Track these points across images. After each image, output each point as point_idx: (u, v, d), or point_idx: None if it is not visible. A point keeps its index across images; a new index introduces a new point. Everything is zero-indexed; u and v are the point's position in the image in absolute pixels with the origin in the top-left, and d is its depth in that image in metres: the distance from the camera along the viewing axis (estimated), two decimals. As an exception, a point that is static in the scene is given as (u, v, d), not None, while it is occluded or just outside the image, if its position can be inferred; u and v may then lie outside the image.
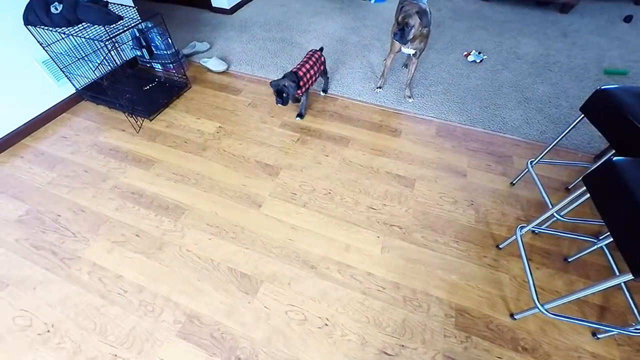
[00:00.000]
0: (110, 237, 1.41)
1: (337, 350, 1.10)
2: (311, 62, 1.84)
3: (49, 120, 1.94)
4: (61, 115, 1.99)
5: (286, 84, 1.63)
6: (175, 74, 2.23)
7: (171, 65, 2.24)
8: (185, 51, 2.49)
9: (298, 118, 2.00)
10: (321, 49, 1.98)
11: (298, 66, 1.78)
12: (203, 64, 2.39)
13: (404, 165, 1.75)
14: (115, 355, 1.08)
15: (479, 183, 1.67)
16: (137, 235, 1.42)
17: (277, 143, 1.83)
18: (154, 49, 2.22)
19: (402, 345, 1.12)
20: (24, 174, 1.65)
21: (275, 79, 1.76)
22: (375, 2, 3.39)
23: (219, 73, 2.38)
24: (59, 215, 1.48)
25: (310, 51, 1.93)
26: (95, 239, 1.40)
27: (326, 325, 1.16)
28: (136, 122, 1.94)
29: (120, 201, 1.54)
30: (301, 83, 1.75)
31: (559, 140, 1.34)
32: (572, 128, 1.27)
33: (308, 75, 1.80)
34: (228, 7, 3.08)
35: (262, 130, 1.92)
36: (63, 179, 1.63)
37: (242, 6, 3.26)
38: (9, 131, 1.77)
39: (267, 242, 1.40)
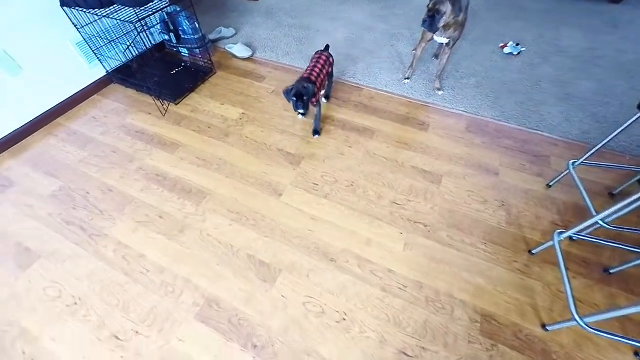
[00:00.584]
0: (135, 217, 1.44)
1: (355, 346, 1.08)
2: (320, 65, 1.61)
3: (81, 101, 2.00)
4: (92, 97, 2.05)
5: (305, 85, 1.41)
6: (201, 59, 2.23)
7: (197, 50, 2.24)
8: (212, 37, 2.49)
9: (316, 136, 1.78)
10: (327, 48, 1.78)
11: (308, 71, 1.56)
12: (228, 50, 2.38)
13: (431, 161, 1.67)
14: (137, 332, 1.11)
15: (511, 183, 1.57)
16: (160, 217, 1.44)
17: (299, 132, 1.80)
18: (181, 34, 2.22)
19: (423, 348, 1.07)
20: (58, 152, 1.72)
21: (287, 87, 1.45)
22: (406, -11, 3.23)
23: (244, 59, 2.36)
24: (88, 193, 1.53)
25: (317, 53, 1.71)
26: (121, 218, 1.43)
27: (344, 320, 1.14)
28: (162, 105, 1.96)
29: (145, 182, 1.57)
30: (316, 89, 1.50)
31: (609, 141, 1.22)
32: (626, 127, 1.15)
33: (320, 79, 1.58)
34: (255, -7, 3.04)
35: (285, 118, 1.89)
36: (93, 158, 1.68)
37: (269, -8, 3.20)
38: (46, 109, 1.84)
39: (286, 231, 1.38)
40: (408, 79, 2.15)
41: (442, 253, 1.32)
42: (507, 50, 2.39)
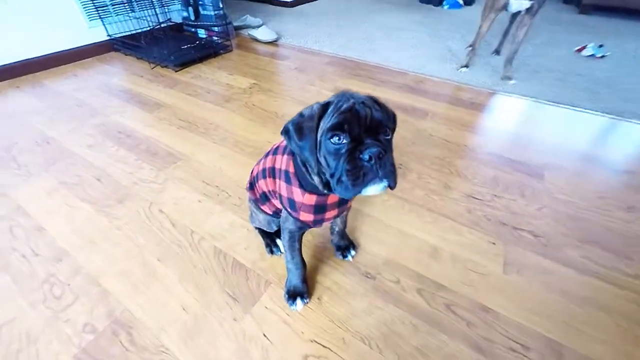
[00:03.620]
0: (61, 176, 0.93)
1: None
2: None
3: (72, 60, 1.68)
4: (86, 60, 1.73)
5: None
6: (218, 37, 1.94)
7: (216, 29, 1.96)
8: (236, 23, 2.25)
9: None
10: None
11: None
12: (251, 34, 2.10)
13: (518, 149, 1.11)
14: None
15: (666, 188, 0.95)
16: (98, 179, 0.93)
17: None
18: (201, 9, 1.98)
19: None
20: (9, 100, 1.33)
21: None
22: (449, 7, 3.03)
23: (267, 43, 2.05)
24: (16, 143, 1.06)
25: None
26: (41, 175, 0.93)
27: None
28: (154, 67, 1.59)
29: (98, 138, 1.10)
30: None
31: None
32: None
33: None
34: (289, 0, 2.92)
35: (308, 91, 1.45)
36: (48, 109, 1.26)
37: (304, 3, 3.10)
38: (21, 59, 1.51)
39: (290, 219, 0.81)
40: (466, 66, 1.70)
41: (583, 287, 0.68)
42: (587, 52, 1.94)
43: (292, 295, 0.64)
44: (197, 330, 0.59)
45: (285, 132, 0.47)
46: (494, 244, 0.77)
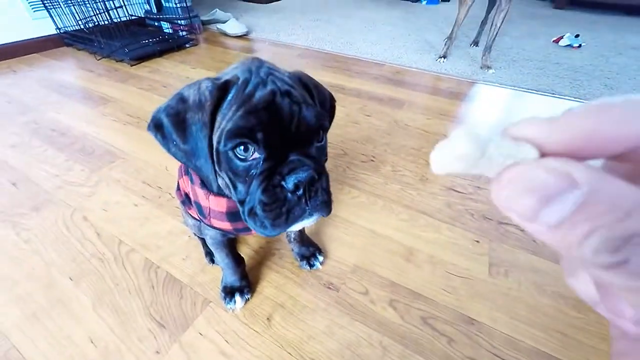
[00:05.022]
0: (-33, 181, 0.78)
1: None
2: None
3: (11, 56, 1.51)
4: (31, 55, 1.56)
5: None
6: (183, 30, 1.80)
7: (181, 23, 1.83)
8: (205, 17, 2.11)
9: None
10: None
11: None
12: (219, 28, 1.97)
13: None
14: None
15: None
16: (13, 184, 0.77)
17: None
18: (163, 1, 1.84)
19: None
20: None
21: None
22: (427, 3, 2.99)
23: (236, 37, 1.93)
24: None
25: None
26: (-58, 181, 0.78)
27: None
28: (100, 59, 1.44)
29: (25, 138, 0.95)
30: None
31: None
32: None
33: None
34: (263, -4, 2.81)
35: (275, 83, 1.34)
36: (-28, 107, 1.10)
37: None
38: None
39: (242, 222, 0.68)
40: (444, 57, 1.63)
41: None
42: (563, 42, 1.91)
43: (230, 292, 0.52)
44: (105, 371, 0.45)
45: (156, 126, 0.30)
46: (477, 242, 0.67)
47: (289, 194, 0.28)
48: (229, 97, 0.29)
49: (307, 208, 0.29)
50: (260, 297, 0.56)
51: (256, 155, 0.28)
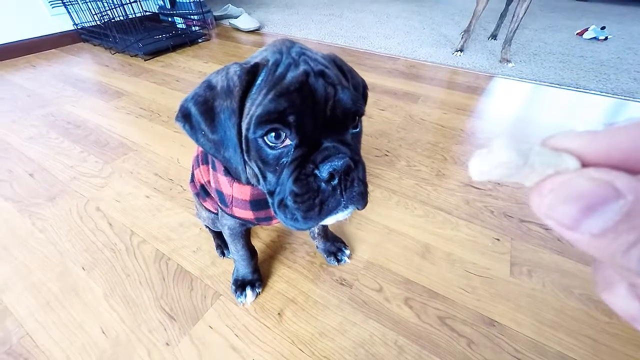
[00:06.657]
0: (-13, 171, 0.79)
1: None
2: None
3: (30, 52, 1.54)
4: (49, 51, 1.60)
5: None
6: (196, 25, 1.81)
7: (194, 18, 1.83)
8: (217, 13, 2.12)
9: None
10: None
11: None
12: (231, 23, 1.97)
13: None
14: None
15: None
16: (31, 174, 0.79)
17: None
18: (177, -3, 1.84)
19: None
20: (-47, 92, 1.19)
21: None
22: (442, -4, 2.91)
23: (248, 32, 1.92)
24: (-55, 137, 0.93)
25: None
26: (-37, 171, 0.80)
27: None
28: (114, 53, 1.46)
29: (42, 129, 0.96)
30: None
31: None
32: None
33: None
34: (275, -9, 2.79)
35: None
36: (-7, 100, 1.13)
37: (291, -5, 2.97)
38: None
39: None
40: (461, 50, 1.57)
41: (607, 291, 0.54)
42: (588, 35, 1.82)
43: (241, 285, 0.51)
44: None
45: (184, 116, 0.28)
46: (498, 240, 0.64)
47: (323, 184, 0.26)
48: (259, 81, 0.27)
49: (342, 199, 0.26)
50: (271, 291, 0.54)
51: (287, 142, 0.26)
